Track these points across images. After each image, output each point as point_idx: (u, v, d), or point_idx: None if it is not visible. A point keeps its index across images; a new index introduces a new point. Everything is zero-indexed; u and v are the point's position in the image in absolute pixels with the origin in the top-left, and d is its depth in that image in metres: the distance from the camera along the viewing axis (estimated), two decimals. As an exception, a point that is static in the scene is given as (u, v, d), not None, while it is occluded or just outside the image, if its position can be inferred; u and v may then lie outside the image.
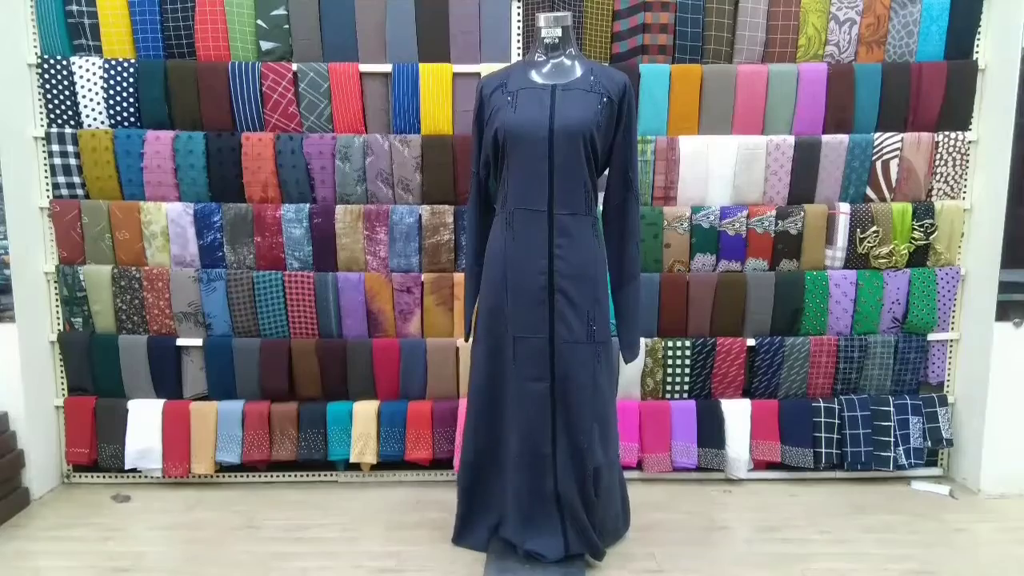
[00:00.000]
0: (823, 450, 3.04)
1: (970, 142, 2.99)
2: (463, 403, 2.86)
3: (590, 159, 2.24)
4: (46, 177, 2.95)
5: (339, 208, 2.93)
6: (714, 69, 2.91)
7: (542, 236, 2.22)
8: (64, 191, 2.95)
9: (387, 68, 2.89)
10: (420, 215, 2.94)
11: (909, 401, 3.07)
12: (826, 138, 2.94)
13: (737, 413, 3.04)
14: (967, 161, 3.00)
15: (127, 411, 3.00)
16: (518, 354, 2.27)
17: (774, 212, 2.96)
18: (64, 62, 2.87)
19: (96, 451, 3.03)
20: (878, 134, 2.95)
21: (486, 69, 2.84)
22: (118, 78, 2.87)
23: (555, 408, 2.27)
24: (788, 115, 2.95)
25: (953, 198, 3.03)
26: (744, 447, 3.04)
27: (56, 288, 3.00)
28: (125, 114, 2.91)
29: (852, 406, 3.04)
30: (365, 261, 2.99)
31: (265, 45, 2.90)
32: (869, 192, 3.01)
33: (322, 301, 2.97)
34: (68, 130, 2.90)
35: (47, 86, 2.88)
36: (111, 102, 2.89)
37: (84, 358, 3.00)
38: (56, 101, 2.90)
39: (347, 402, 3.02)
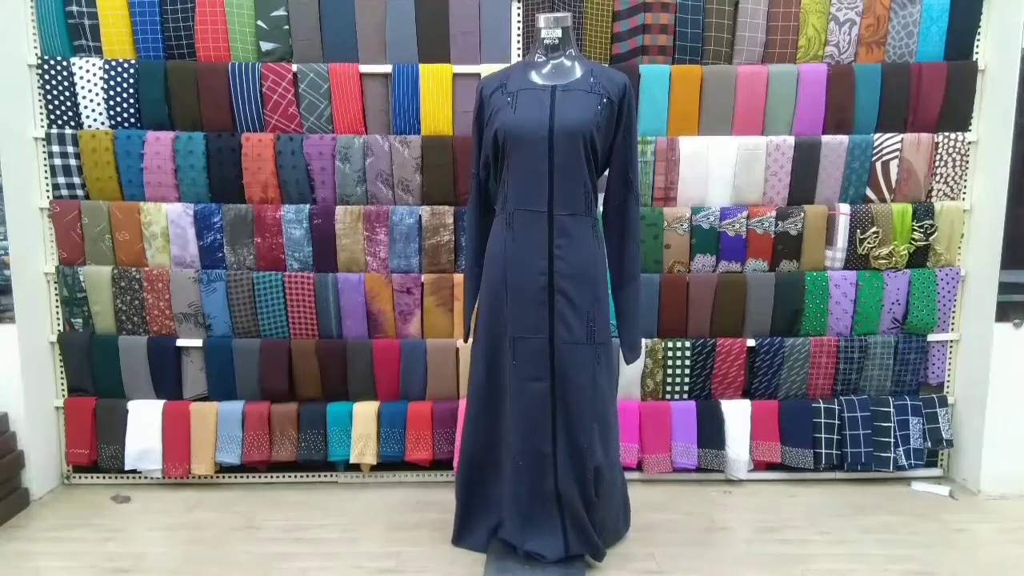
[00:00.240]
0: (823, 451, 3.04)
1: (970, 143, 2.99)
2: (463, 404, 2.86)
3: (590, 160, 2.24)
4: (46, 178, 2.95)
5: (339, 209, 2.93)
6: (714, 70, 2.91)
7: (542, 237, 2.22)
8: (64, 192, 2.95)
9: (387, 69, 2.89)
10: (420, 216, 2.95)
11: (909, 402, 3.07)
12: (826, 139, 2.94)
13: (737, 414, 3.04)
14: (967, 162, 3.00)
15: (127, 412, 3.00)
16: (518, 354, 2.27)
17: (774, 213, 2.96)
18: (64, 63, 2.87)
19: (96, 452, 3.03)
20: (878, 135, 2.95)
21: (486, 70, 2.84)
22: (118, 79, 2.87)
23: (555, 408, 2.27)
24: (788, 116, 2.95)
25: (953, 199, 3.03)
26: (744, 448, 3.04)
27: (56, 289, 3.00)
28: (125, 115, 2.91)
29: (852, 407, 3.04)
30: (365, 262, 2.99)
31: (265, 46, 2.90)
32: (869, 193, 3.01)
33: (322, 302, 2.97)
34: (68, 131, 2.90)
35: (47, 87, 2.88)
36: (111, 103, 2.89)
37: (84, 359, 3.00)
38: (56, 102, 2.90)
39: (347, 403, 3.02)
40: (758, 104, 2.92)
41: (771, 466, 3.11)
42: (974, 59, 2.96)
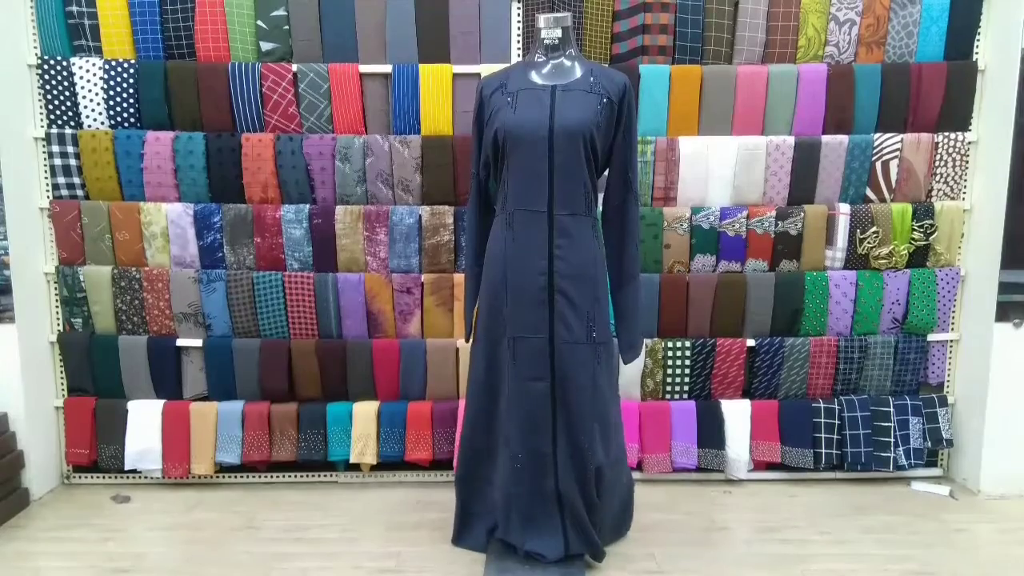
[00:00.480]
0: (823, 451, 3.04)
1: (970, 143, 2.99)
2: (463, 404, 2.86)
3: (590, 160, 2.24)
4: (46, 178, 2.95)
5: (339, 209, 2.93)
6: (714, 70, 2.91)
7: (542, 237, 2.22)
8: (64, 192, 2.95)
9: (387, 69, 2.89)
10: (420, 216, 2.95)
11: (909, 402, 3.07)
12: (826, 139, 2.94)
13: (737, 414, 3.04)
14: (967, 162, 3.00)
15: (127, 412, 3.00)
16: (518, 354, 2.27)
17: (774, 213, 2.96)
18: (64, 63, 2.87)
19: (96, 452, 3.03)
20: (878, 135, 2.95)
21: (486, 70, 2.84)
22: (118, 79, 2.87)
23: (555, 408, 2.27)
24: (788, 116, 2.95)
25: (953, 199, 3.03)
26: (744, 448, 3.04)
27: (56, 289, 3.00)
28: (125, 115, 2.91)
29: (852, 407, 3.04)
30: (365, 262, 2.99)
31: (265, 46, 2.90)
32: (869, 193, 3.01)
33: (322, 302, 2.97)
34: (68, 131, 2.90)
35: (47, 87, 2.88)
36: (111, 103, 2.89)
37: (84, 359, 3.00)
38: (56, 102, 2.90)
39: (347, 403, 3.02)
40: (758, 104, 2.92)
41: (771, 466, 3.11)
42: (974, 59, 2.96)
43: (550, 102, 2.21)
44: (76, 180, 2.94)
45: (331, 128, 2.94)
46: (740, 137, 2.94)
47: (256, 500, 2.94)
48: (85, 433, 3.00)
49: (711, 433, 3.04)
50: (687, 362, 3.03)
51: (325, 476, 3.12)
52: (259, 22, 2.88)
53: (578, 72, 2.27)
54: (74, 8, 2.85)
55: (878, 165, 2.97)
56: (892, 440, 3.03)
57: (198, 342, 2.99)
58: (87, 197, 2.96)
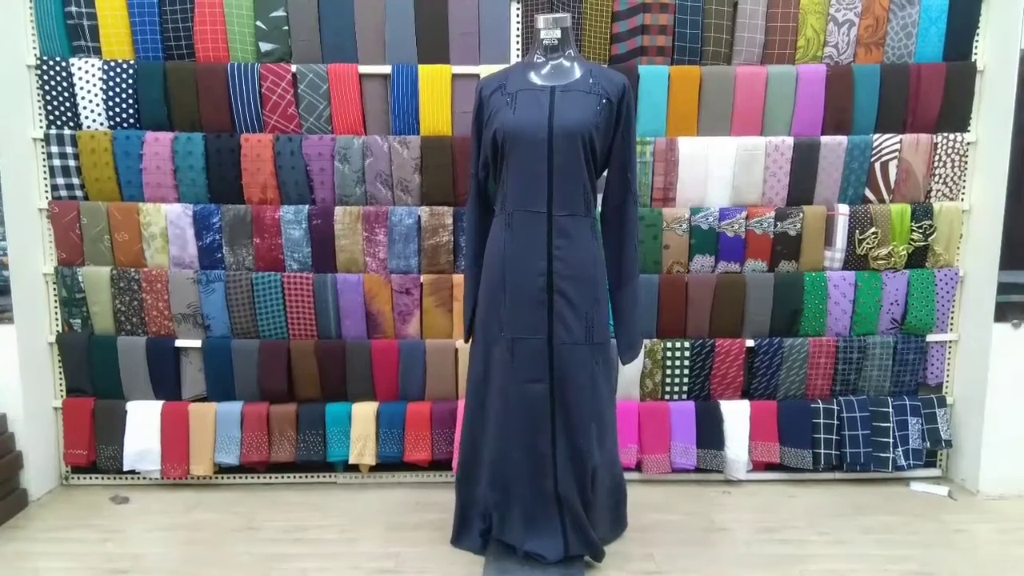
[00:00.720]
0: (822, 451, 3.04)
1: (969, 143, 2.99)
2: (462, 404, 2.86)
3: (589, 160, 2.24)
4: (45, 178, 2.95)
5: (338, 209, 2.93)
6: (713, 70, 2.91)
7: (541, 237, 2.22)
8: (63, 192, 2.95)
9: (386, 69, 2.89)
10: (419, 216, 2.95)
11: (908, 402, 3.07)
12: (825, 139, 2.94)
13: (736, 414, 3.04)
14: (966, 162, 3.00)
15: (126, 412, 3.00)
16: (517, 355, 2.27)
17: (773, 213, 2.96)
18: (63, 63, 2.87)
19: (95, 452, 3.03)
20: (877, 135, 2.95)
21: (485, 70, 2.84)
22: (117, 79, 2.87)
23: (554, 409, 2.27)
24: (787, 116, 2.95)
25: (952, 199, 3.04)
26: (743, 448, 3.04)
27: (55, 289, 3.00)
28: (124, 115, 2.91)
29: (851, 407, 3.04)
30: (364, 262, 2.99)
31: (264, 46, 2.90)
32: (868, 193, 3.01)
33: (321, 302, 2.97)
34: (67, 131, 2.90)
35: (46, 87, 2.88)
36: (110, 103, 2.89)
37: (83, 359, 3.00)
38: (55, 102, 2.90)
39: (346, 403, 3.02)
40: (757, 105, 2.93)
41: (770, 466, 3.11)
42: (973, 60, 2.96)
43: (549, 103, 2.21)
44: (75, 181, 2.94)
45: (330, 129, 2.94)
46: (739, 138, 2.94)
47: (255, 501, 2.94)
48: (84, 434, 3.00)
49: (710, 433, 3.04)
50: (686, 363, 3.03)
51: (324, 477, 3.12)
52: (258, 23, 2.88)
53: (577, 73, 2.28)
54: (73, 9, 2.85)
55: (877, 166, 2.97)
56: (891, 440, 3.04)
57: (197, 343, 2.99)
58: (86, 198, 2.96)
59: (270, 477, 3.11)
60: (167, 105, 2.90)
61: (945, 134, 2.97)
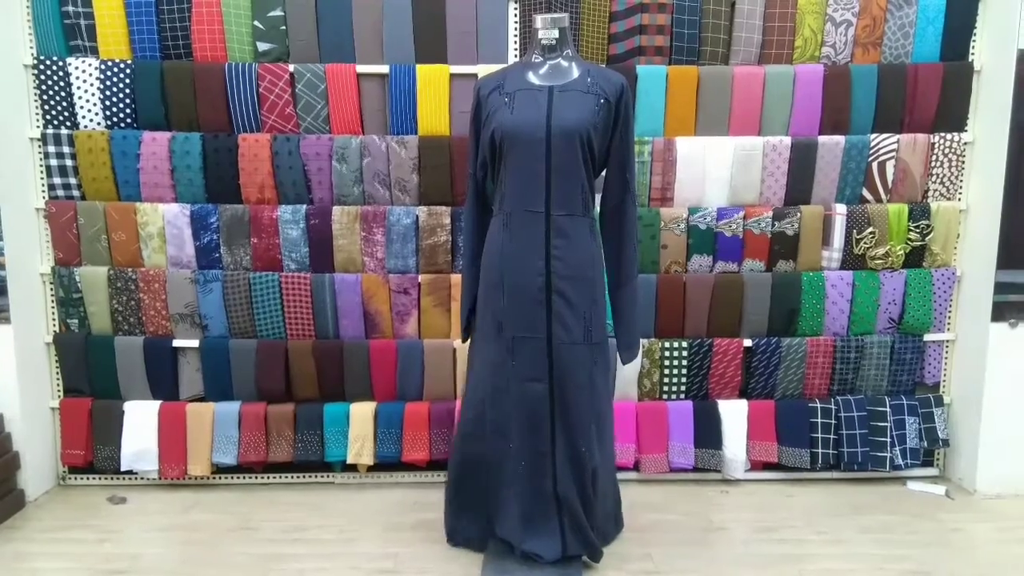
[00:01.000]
0: (820, 450, 3.04)
1: (966, 143, 2.99)
2: (459, 404, 2.86)
3: (587, 160, 2.24)
4: (42, 178, 2.94)
5: (336, 209, 2.93)
6: (711, 71, 2.91)
7: (539, 237, 2.22)
8: (60, 192, 2.94)
9: (384, 69, 2.89)
10: (417, 216, 2.94)
11: (905, 401, 3.08)
12: (822, 139, 2.94)
13: (734, 414, 3.04)
14: (963, 162, 3.01)
15: (123, 412, 2.99)
16: (516, 355, 2.27)
17: (771, 213, 2.96)
18: (60, 63, 2.86)
19: (92, 453, 3.02)
20: (874, 135, 2.96)
21: (483, 70, 2.84)
22: (114, 79, 2.87)
23: (554, 409, 2.27)
24: (785, 116, 2.95)
25: (949, 199, 3.04)
26: (741, 447, 3.04)
27: (52, 289, 2.99)
28: (121, 115, 2.90)
29: (848, 406, 3.05)
30: (362, 262, 2.99)
31: (262, 46, 2.90)
32: (865, 193, 3.01)
33: (319, 302, 2.96)
34: (64, 131, 2.90)
35: (43, 87, 2.88)
36: (107, 103, 2.89)
37: (80, 359, 2.99)
38: (52, 102, 2.89)
39: (344, 403, 3.01)
40: (755, 105, 2.93)
41: (768, 466, 3.11)
42: (970, 60, 2.97)
43: (547, 102, 2.21)
44: (72, 180, 2.93)
45: (328, 128, 2.94)
46: (737, 138, 2.94)
47: (253, 501, 2.94)
48: (81, 434, 3.00)
49: (708, 433, 3.04)
50: (684, 362, 3.03)
51: (322, 477, 3.11)
52: (256, 22, 2.88)
53: (575, 72, 2.28)
54: (70, 8, 2.84)
55: (874, 166, 2.97)
56: (888, 440, 3.04)
57: (195, 343, 2.99)
58: (83, 198, 2.96)
59: (268, 477, 3.10)
60: (164, 105, 2.89)
61: (942, 134, 2.97)
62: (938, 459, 3.19)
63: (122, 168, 2.91)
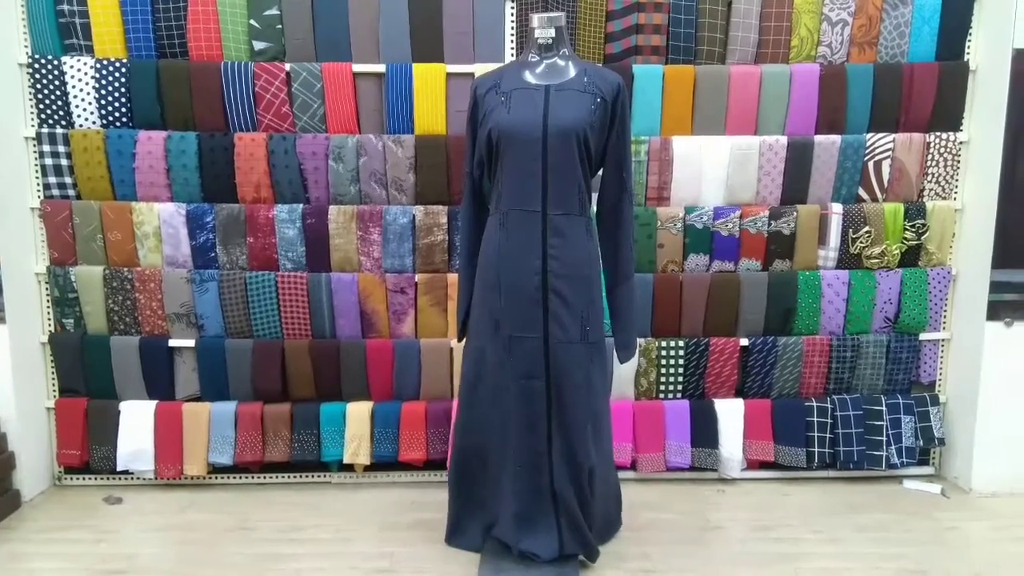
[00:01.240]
0: (816, 449, 3.05)
1: (961, 143, 3.00)
2: (456, 403, 2.86)
3: (584, 160, 2.24)
4: (37, 177, 2.93)
5: (332, 209, 2.92)
6: (707, 70, 2.91)
7: (536, 236, 2.22)
8: (55, 191, 2.93)
9: (380, 68, 2.89)
10: (414, 215, 2.94)
11: (901, 400, 3.08)
12: (818, 139, 2.95)
13: (730, 413, 3.05)
14: (958, 162, 3.02)
15: (119, 412, 2.98)
16: (513, 354, 2.27)
17: (767, 212, 2.96)
18: (55, 62, 2.85)
19: (88, 453, 3.01)
20: (870, 135, 2.96)
21: (480, 69, 2.83)
22: (110, 78, 2.86)
23: (550, 408, 2.27)
24: (781, 116, 2.96)
25: (944, 198, 3.05)
26: (737, 446, 3.05)
27: (47, 289, 2.98)
28: (117, 114, 2.90)
29: (844, 405, 3.05)
30: (359, 262, 2.98)
31: (258, 45, 2.89)
32: (861, 192, 3.02)
33: (315, 302, 2.96)
34: (59, 130, 2.89)
35: (38, 86, 2.87)
36: (103, 102, 2.88)
37: (76, 359, 2.98)
38: (47, 101, 2.88)
39: (340, 403, 3.01)
40: (751, 104, 2.93)
41: (764, 465, 3.12)
42: (965, 59, 2.98)
43: (544, 102, 2.21)
44: (67, 180, 2.92)
45: (324, 128, 2.93)
46: (733, 137, 2.94)
47: (249, 501, 2.93)
48: (77, 434, 2.99)
49: (705, 432, 3.04)
50: (681, 361, 3.03)
51: (319, 477, 3.11)
52: (252, 21, 2.87)
53: (572, 72, 2.28)
54: (65, 7, 2.83)
55: (870, 165, 2.98)
56: (884, 439, 3.05)
57: (191, 342, 2.98)
58: (79, 197, 2.95)
59: (264, 477, 3.10)
60: (160, 104, 2.89)
61: (938, 133, 2.98)
62: (934, 458, 3.20)
63: (118, 167, 2.90)
